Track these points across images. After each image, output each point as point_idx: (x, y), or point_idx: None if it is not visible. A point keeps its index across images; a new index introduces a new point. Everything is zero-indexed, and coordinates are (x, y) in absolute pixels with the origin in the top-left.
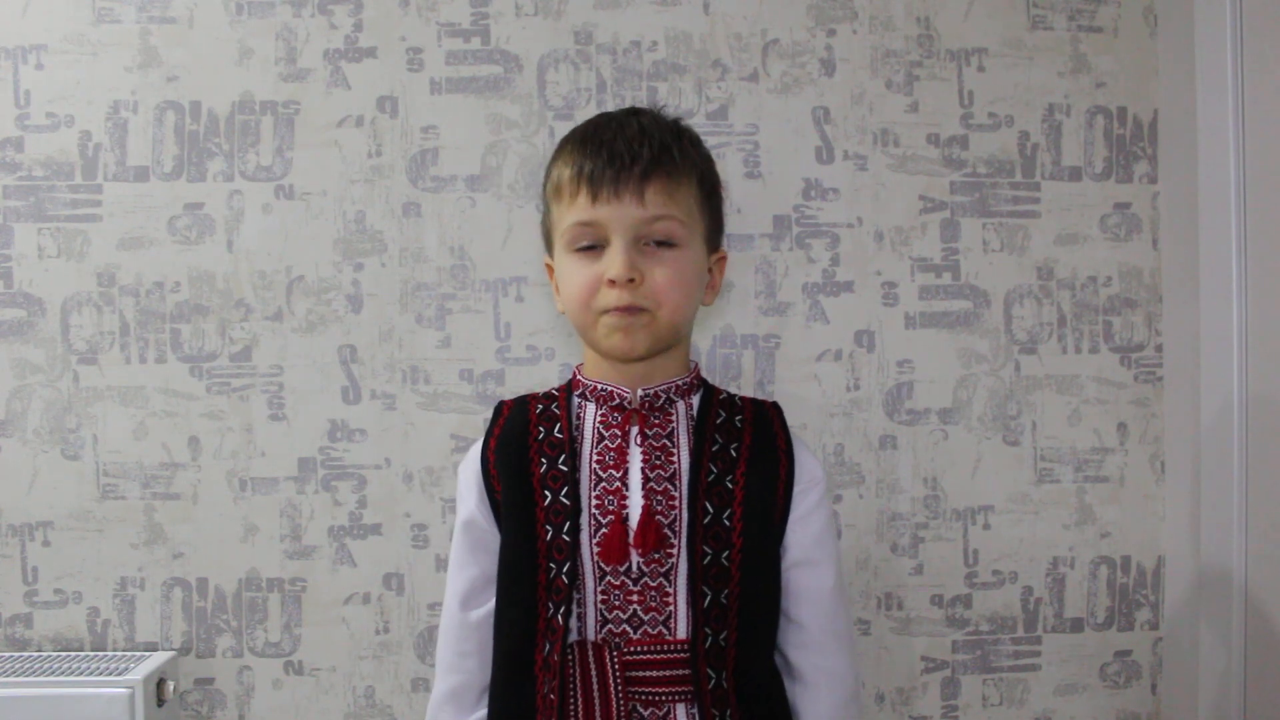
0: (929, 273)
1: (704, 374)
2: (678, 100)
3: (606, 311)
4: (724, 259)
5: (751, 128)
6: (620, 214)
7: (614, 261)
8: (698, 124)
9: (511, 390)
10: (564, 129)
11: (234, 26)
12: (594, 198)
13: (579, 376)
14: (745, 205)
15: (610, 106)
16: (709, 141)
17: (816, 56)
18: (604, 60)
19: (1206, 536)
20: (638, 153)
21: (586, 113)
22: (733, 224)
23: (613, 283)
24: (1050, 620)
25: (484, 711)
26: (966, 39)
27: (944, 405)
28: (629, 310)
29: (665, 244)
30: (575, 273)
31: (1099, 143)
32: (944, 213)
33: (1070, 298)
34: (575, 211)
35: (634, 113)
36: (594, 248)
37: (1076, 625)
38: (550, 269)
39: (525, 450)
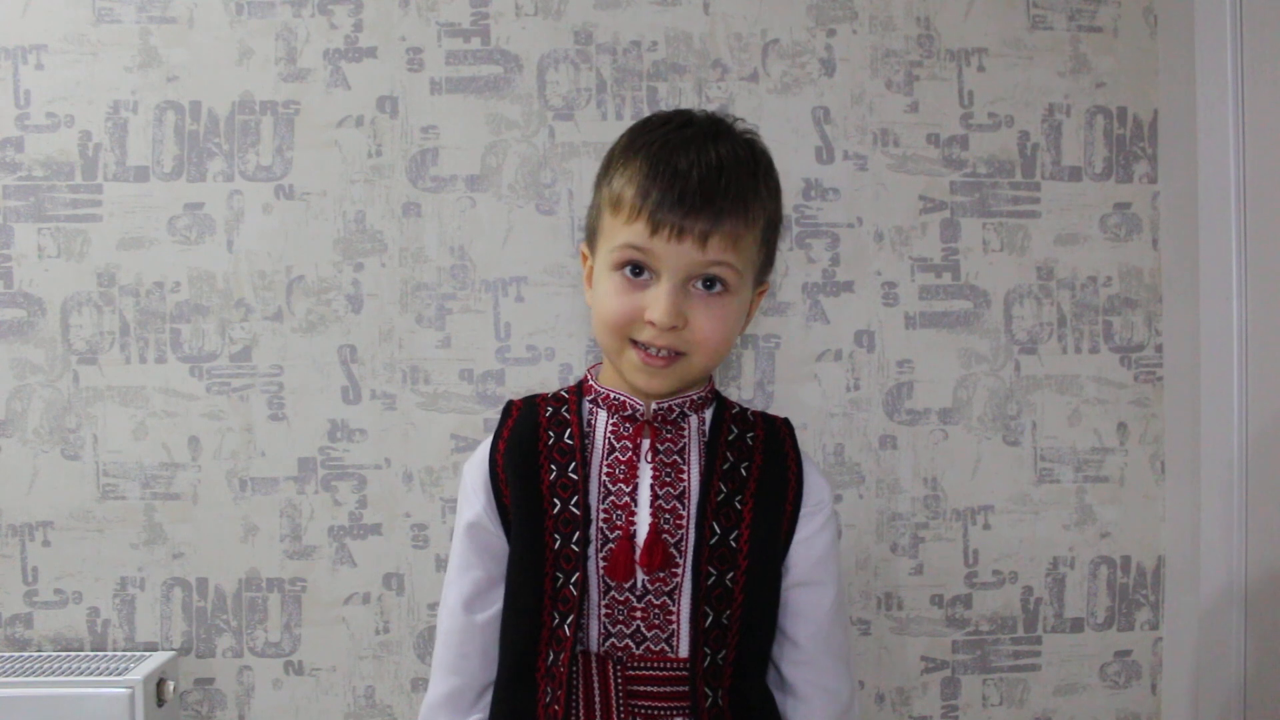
0: (929, 273)
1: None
2: (678, 100)
3: (637, 345)
4: (765, 290)
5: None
6: (677, 254)
7: (658, 305)
8: None
9: (511, 390)
10: (564, 129)
11: (234, 26)
12: (653, 231)
13: (592, 382)
14: None
15: (610, 107)
16: None
17: (816, 56)
18: (604, 60)
19: (1206, 536)
20: (711, 195)
21: (586, 113)
22: None
23: (652, 323)
24: (1050, 620)
25: (478, 716)
26: (966, 39)
27: (944, 405)
28: (660, 356)
29: (713, 285)
30: (614, 296)
31: (1099, 143)
32: (944, 213)
33: (1070, 298)
34: (630, 234)
35: (714, 136)
36: (640, 272)
37: (1076, 625)
38: (585, 256)
39: (535, 455)
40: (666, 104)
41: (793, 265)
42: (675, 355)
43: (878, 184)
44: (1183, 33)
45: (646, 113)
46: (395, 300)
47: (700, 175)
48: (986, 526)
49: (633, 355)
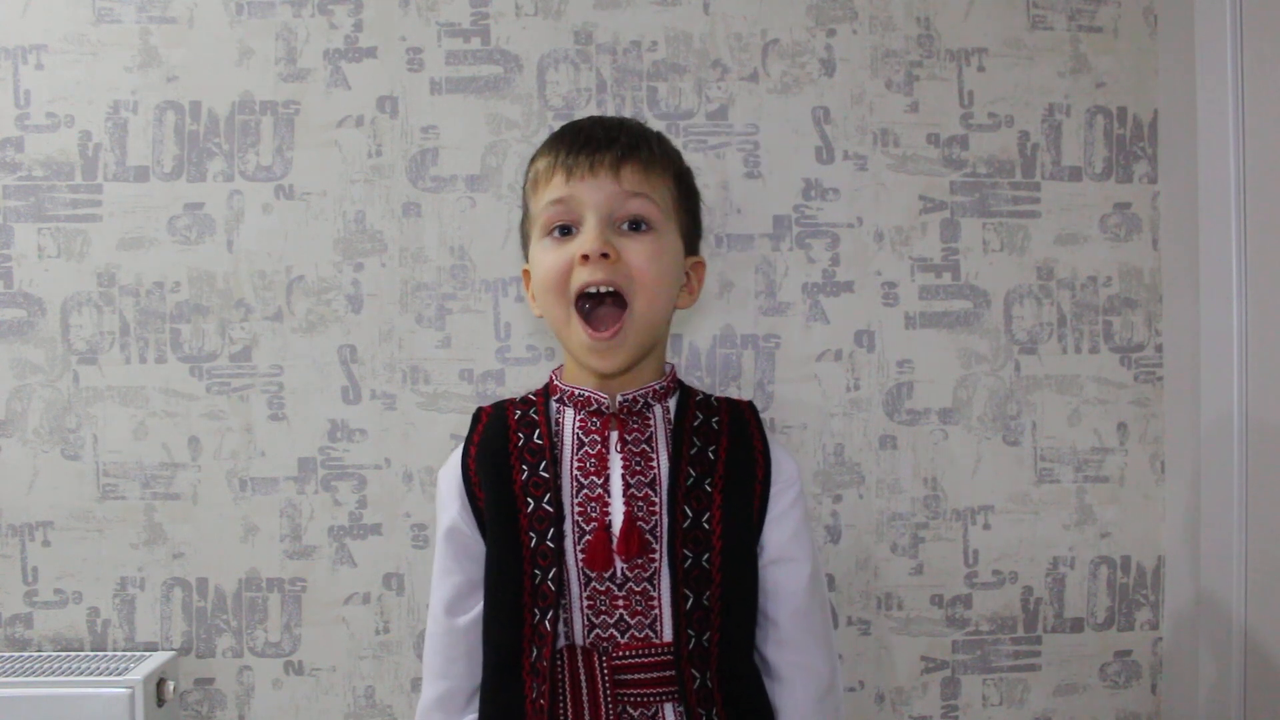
0: (929, 273)
1: (704, 374)
2: (678, 100)
3: (580, 310)
4: (702, 265)
5: (751, 128)
6: (594, 189)
7: (587, 236)
8: (698, 124)
9: (512, 390)
10: None
11: (234, 26)
12: (569, 176)
13: (556, 382)
14: (745, 205)
15: (610, 106)
16: (709, 141)
17: (816, 56)
18: (604, 60)
19: (1206, 536)
20: (615, 136)
21: (587, 113)
22: (733, 224)
23: (585, 259)
24: (1050, 620)
25: (473, 716)
26: (966, 39)
27: (944, 405)
28: (605, 331)
29: (640, 227)
30: (547, 256)
31: (1099, 143)
32: (944, 213)
33: (1070, 298)
34: (550, 191)
35: (612, 117)
36: (568, 232)
37: (1076, 625)
38: (527, 275)
39: (506, 457)
40: (666, 104)
41: (793, 265)
42: (619, 317)
43: (878, 184)
44: (1183, 33)
45: (647, 112)
46: (395, 300)
47: (602, 127)
48: (986, 526)
49: (581, 334)
